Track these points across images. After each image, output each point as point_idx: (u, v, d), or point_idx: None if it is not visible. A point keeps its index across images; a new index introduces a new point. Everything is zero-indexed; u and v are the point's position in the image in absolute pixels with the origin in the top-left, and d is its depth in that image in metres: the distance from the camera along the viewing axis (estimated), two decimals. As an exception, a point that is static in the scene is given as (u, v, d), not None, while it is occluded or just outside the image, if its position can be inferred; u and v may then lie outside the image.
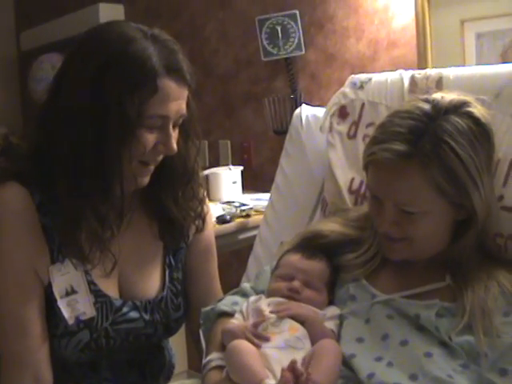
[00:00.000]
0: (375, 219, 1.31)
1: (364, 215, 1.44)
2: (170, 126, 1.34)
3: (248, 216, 2.34)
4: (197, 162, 1.49)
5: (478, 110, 1.28)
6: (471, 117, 1.26)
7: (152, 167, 1.39)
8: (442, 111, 1.25)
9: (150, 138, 1.32)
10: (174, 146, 1.36)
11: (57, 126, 1.32)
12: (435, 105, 1.26)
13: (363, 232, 1.42)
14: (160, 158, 1.38)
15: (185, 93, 1.35)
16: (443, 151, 1.20)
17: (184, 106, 1.36)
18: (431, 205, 1.23)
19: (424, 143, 1.21)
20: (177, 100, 1.32)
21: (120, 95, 1.26)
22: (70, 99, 1.30)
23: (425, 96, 1.32)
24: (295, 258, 1.39)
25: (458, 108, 1.26)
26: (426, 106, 1.26)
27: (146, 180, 1.40)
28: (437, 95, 1.31)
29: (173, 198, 1.48)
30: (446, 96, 1.30)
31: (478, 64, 2.11)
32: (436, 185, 1.21)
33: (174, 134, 1.36)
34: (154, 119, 1.31)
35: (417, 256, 1.32)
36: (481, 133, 1.25)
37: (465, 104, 1.28)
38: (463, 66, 2.07)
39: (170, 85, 1.30)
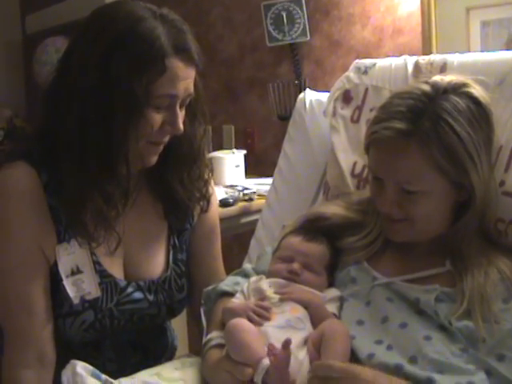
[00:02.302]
0: (376, 200, 1.32)
1: (366, 199, 1.44)
2: (177, 106, 1.34)
3: (251, 200, 2.35)
4: (203, 142, 1.49)
5: (477, 90, 1.29)
6: (470, 97, 1.27)
7: (161, 147, 1.39)
8: (441, 91, 1.26)
9: (157, 118, 1.32)
10: (181, 125, 1.36)
11: (63, 106, 1.31)
12: (434, 85, 1.28)
13: (365, 215, 1.42)
14: (167, 138, 1.38)
15: (193, 73, 1.35)
16: (442, 129, 1.22)
17: (192, 86, 1.36)
18: (431, 184, 1.24)
19: (423, 121, 1.22)
20: (185, 80, 1.32)
21: (128, 75, 1.26)
22: (77, 78, 1.29)
23: (425, 78, 1.34)
24: (295, 241, 1.39)
25: (457, 88, 1.27)
26: (426, 87, 1.28)
27: (154, 159, 1.40)
28: (437, 77, 1.32)
29: (179, 179, 1.48)
30: (446, 78, 1.31)
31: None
32: (435, 163, 1.22)
33: (181, 114, 1.36)
34: (162, 99, 1.31)
35: (418, 237, 1.32)
36: (480, 113, 1.26)
37: (464, 85, 1.29)
38: (468, 53, 2.07)
39: (178, 65, 1.30)
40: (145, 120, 1.30)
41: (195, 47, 1.34)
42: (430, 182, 1.24)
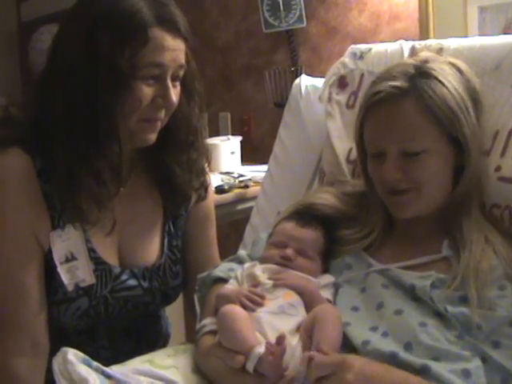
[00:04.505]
0: (379, 178, 1.32)
1: (360, 193, 1.45)
2: (168, 78, 1.33)
3: (246, 187, 2.35)
4: (200, 122, 1.48)
5: (456, 61, 1.38)
6: (450, 63, 1.36)
7: (157, 124, 1.37)
8: (423, 61, 1.35)
9: (147, 91, 1.31)
10: (173, 98, 1.34)
11: (52, 87, 1.32)
12: (417, 58, 1.39)
13: (358, 210, 1.42)
14: (162, 114, 1.36)
15: (181, 44, 1.34)
16: (434, 84, 1.28)
17: (182, 58, 1.34)
18: (431, 140, 1.27)
19: (416, 80, 1.29)
20: (173, 50, 1.31)
21: (110, 49, 1.26)
22: (63, 59, 1.30)
23: None
24: (289, 226, 1.39)
25: (435, 59, 1.38)
26: (410, 60, 1.39)
27: (152, 137, 1.38)
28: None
29: (177, 161, 1.47)
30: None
31: (480, 38, 2.10)
32: (432, 116, 1.27)
33: (176, 90, 1.36)
34: (149, 68, 1.30)
35: (424, 208, 1.31)
36: (461, 74, 1.34)
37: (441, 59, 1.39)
38: (465, 38, 2.06)
39: (162, 35, 1.29)
40: (133, 93, 1.29)
41: (181, 18, 1.34)
42: (429, 137, 1.27)
